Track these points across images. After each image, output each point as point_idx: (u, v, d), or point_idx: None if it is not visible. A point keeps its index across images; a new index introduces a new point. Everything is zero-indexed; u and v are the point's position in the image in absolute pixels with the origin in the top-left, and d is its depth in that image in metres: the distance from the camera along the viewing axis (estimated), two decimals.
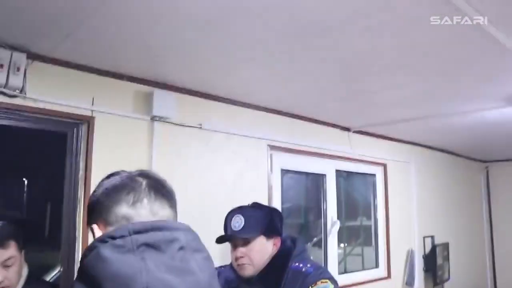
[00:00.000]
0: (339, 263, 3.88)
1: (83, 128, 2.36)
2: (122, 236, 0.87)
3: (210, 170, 2.82)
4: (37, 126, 2.30)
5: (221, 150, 2.90)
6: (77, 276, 0.91)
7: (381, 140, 4.32)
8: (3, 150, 2.73)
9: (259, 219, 1.97)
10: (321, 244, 3.77)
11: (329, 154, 3.72)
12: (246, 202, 2.20)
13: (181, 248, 0.90)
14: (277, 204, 3.22)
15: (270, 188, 3.19)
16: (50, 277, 3.30)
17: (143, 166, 2.46)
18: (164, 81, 2.60)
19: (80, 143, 2.36)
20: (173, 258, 0.87)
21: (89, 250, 0.88)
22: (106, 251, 0.85)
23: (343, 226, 3.93)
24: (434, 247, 4.85)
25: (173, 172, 2.59)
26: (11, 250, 1.91)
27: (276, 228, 2.00)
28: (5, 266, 1.88)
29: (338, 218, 3.82)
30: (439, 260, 4.85)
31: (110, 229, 0.94)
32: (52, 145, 2.66)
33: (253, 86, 2.78)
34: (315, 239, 3.78)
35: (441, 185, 5.26)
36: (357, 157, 4.00)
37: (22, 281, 1.97)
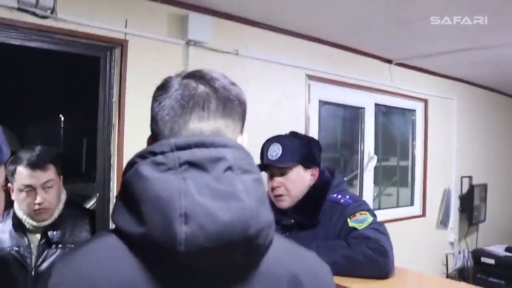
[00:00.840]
0: (373, 200, 3.82)
1: (116, 52, 2.29)
2: (163, 152, 0.78)
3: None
4: (69, 49, 2.24)
5: (257, 78, 2.79)
6: (118, 192, 0.84)
7: (424, 74, 4.10)
8: (36, 75, 2.71)
9: (297, 148, 1.91)
10: (355, 181, 3.71)
11: (369, 86, 3.56)
12: (283, 132, 2.12)
13: (228, 168, 0.78)
14: (313, 136, 3.13)
15: (307, 120, 3.10)
16: (88, 205, 3.40)
17: None
18: (199, 4, 2.47)
19: (114, 67, 2.30)
20: (218, 180, 0.77)
21: (129, 166, 0.80)
22: (145, 168, 0.76)
23: (379, 165, 3.84)
24: (472, 188, 4.72)
25: None
26: (50, 173, 1.94)
27: (314, 158, 1.94)
28: (45, 188, 1.90)
29: (375, 154, 3.73)
30: (476, 201, 4.74)
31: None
32: (84, 73, 2.61)
33: (292, 10, 2.61)
34: (349, 176, 3.72)
35: (483, 124, 5.03)
36: (398, 91, 3.83)
37: (61, 205, 2.00)
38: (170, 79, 0.86)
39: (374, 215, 1.87)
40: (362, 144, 3.69)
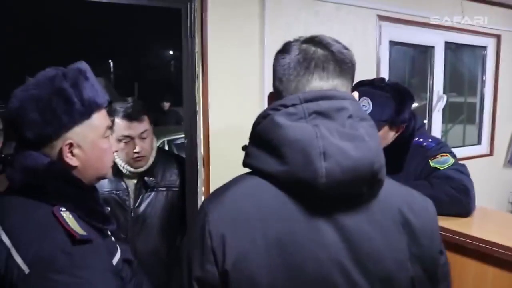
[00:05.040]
0: (441, 138, 3.81)
1: (196, 2, 2.34)
2: (293, 105, 0.92)
3: None
4: (152, 3, 2.32)
5: (330, 21, 2.77)
6: (250, 141, 0.98)
7: (497, 8, 3.87)
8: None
9: (388, 107, 1.81)
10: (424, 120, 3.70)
11: (439, 24, 3.43)
12: (355, 75, 2.10)
13: (350, 116, 0.93)
14: (384, 77, 3.12)
15: (378, 61, 3.07)
16: None
17: (255, 39, 2.47)
18: None
19: (194, 17, 2.34)
20: (343, 125, 0.91)
21: (262, 117, 0.95)
22: (280, 118, 0.91)
23: (446, 102, 3.78)
24: None
25: None
26: (146, 123, 2.09)
27: (404, 119, 1.85)
28: (141, 138, 2.06)
29: (444, 93, 3.67)
30: None
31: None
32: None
33: None
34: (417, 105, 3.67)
35: None
36: (469, 28, 3.67)
37: (154, 152, 2.16)
38: (290, 44, 1.02)
39: (455, 157, 1.91)
40: (431, 84, 3.63)
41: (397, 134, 1.90)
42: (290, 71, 0.98)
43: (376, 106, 1.80)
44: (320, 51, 0.98)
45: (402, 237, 0.95)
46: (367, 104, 1.82)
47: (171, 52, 17.63)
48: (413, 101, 1.90)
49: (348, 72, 0.99)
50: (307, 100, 0.92)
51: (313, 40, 1.00)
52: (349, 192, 0.90)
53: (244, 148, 1.00)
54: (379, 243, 0.93)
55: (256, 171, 0.94)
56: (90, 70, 1.24)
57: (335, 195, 0.89)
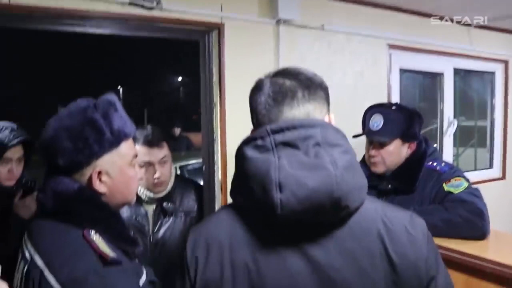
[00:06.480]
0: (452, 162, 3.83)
1: (214, 35, 2.44)
2: (262, 137, 0.97)
3: (331, 71, 2.83)
4: (172, 35, 2.42)
5: (342, 51, 2.87)
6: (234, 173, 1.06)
7: (504, 34, 3.95)
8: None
9: (399, 122, 1.96)
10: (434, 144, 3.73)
11: (448, 52, 3.52)
12: (367, 102, 2.19)
13: (317, 144, 0.95)
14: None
15: (389, 88, 3.15)
16: None
17: (270, 69, 2.54)
18: None
19: (212, 50, 2.45)
20: (307, 154, 0.94)
21: (237, 150, 1.03)
22: (248, 150, 0.98)
23: (457, 126, 3.82)
24: None
25: None
26: (165, 149, 2.14)
27: (414, 134, 2.00)
28: (161, 163, 2.11)
29: (454, 117, 3.73)
30: None
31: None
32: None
33: None
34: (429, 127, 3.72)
35: None
36: (477, 55, 3.75)
37: (172, 178, 2.21)
38: (261, 80, 1.06)
39: (468, 181, 1.95)
40: (441, 110, 3.70)
41: (410, 151, 2.01)
42: (262, 106, 1.02)
43: (387, 122, 1.95)
44: (287, 82, 1.01)
45: (378, 265, 0.93)
46: (378, 120, 1.97)
47: (179, 79, 17.85)
48: (421, 119, 2.03)
49: (319, 96, 1.02)
50: (274, 132, 0.96)
51: (283, 72, 1.04)
52: (309, 221, 0.92)
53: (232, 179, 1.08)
54: (350, 272, 0.92)
55: (233, 201, 1.05)
56: (119, 101, 1.31)
57: (295, 224, 0.93)
